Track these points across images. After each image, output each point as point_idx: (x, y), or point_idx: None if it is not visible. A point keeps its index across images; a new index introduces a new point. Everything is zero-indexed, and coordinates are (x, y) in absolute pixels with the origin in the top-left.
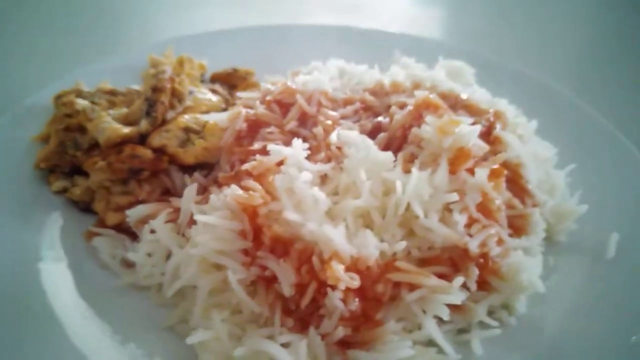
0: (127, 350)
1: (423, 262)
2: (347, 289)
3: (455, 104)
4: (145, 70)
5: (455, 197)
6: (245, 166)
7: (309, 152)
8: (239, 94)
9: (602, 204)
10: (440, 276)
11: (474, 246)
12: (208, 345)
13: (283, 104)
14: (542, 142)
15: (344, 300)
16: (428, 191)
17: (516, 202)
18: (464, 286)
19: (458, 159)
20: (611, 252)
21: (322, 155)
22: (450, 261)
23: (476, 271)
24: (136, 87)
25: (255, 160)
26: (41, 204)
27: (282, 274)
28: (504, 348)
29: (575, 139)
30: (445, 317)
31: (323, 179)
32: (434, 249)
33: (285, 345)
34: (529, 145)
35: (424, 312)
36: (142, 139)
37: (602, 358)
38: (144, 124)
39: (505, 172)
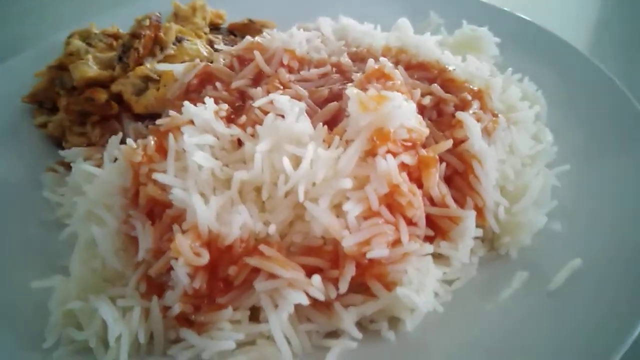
0: None
1: (304, 252)
2: (193, 265)
3: (437, 77)
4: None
5: (348, 183)
6: (159, 121)
7: (224, 112)
8: (217, 46)
9: (579, 221)
10: (317, 270)
11: (348, 243)
12: (57, 293)
13: (245, 60)
14: (543, 129)
15: (191, 276)
16: (323, 173)
17: (450, 200)
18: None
19: (379, 139)
20: (558, 282)
21: (244, 118)
22: (332, 255)
23: (352, 271)
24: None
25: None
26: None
27: (142, 237)
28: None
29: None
30: (287, 313)
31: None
32: (318, 238)
33: (127, 310)
34: (510, 135)
35: (273, 305)
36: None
37: None
38: (117, 69)
39: (438, 163)
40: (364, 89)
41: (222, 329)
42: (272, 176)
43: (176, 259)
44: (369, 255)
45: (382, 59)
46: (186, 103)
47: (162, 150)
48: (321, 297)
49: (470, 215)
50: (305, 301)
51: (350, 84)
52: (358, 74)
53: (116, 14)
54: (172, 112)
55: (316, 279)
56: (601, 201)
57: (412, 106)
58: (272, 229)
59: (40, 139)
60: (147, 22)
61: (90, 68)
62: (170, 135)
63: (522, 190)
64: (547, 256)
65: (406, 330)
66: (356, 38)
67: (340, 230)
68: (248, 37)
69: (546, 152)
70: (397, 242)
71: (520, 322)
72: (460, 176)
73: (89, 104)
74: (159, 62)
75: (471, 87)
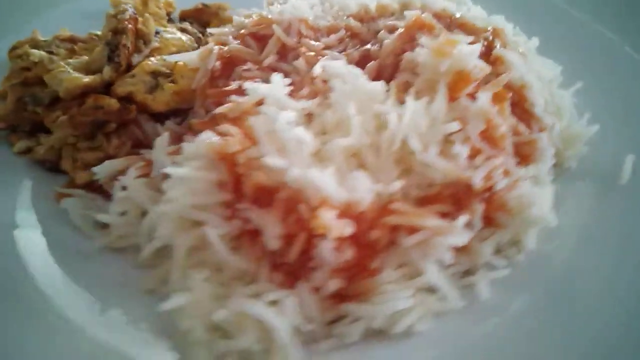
0: (109, 316)
1: (423, 202)
2: (340, 238)
3: (450, 24)
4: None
5: (455, 126)
6: (220, 109)
7: (291, 88)
8: (210, 30)
9: (614, 125)
10: (442, 216)
11: (477, 180)
12: (188, 310)
13: (259, 37)
14: (545, 60)
15: (336, 250)
16: (425, 122)
17: (522, 127)
18: (468, 225)
19: (457, 83)
20: (626, 176)
21: (306, 90)
22: (453, 199)
23: (481, 207)
24: (94, 32)
25: (231, 102)
26: (5, 168)
27: (266, 226)
28: (512, 289)
29: (580, 57)
30: (448, 261)
31: (309, 118)
32: (434, 186)
33: (273, 304)
34: (532, 65)
35: (425, 257)
36: (107, 88)
37: (615, 293)
38: (107, 71)
39: (509, 94)
40: (410, 41)
41: (384, 292)
42: (374, 137)
43: (319, 236)
44: (498, 188)
45: (411, 11)
46: (248, 84)
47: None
48: (467, 238)
49: (543, 137)
50: (462, 241)
51: (369, 45)
52: (381, 32)
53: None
54: (234, 98)
55: (461, 220)
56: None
57: (478, 46)
58: (396, 185)
59: (26, 167)
60: (127, 16)
61: (73, 75)
62: (256, 118)
63: (560, 110)
64: (603, 160)
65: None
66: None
67: (463, 172)
68: (237, 17)
69: (556, 76)
70: (505, 172)
71: (618, 211)
72: (515, 106)
73: (101, 113)
74: (145, 57)
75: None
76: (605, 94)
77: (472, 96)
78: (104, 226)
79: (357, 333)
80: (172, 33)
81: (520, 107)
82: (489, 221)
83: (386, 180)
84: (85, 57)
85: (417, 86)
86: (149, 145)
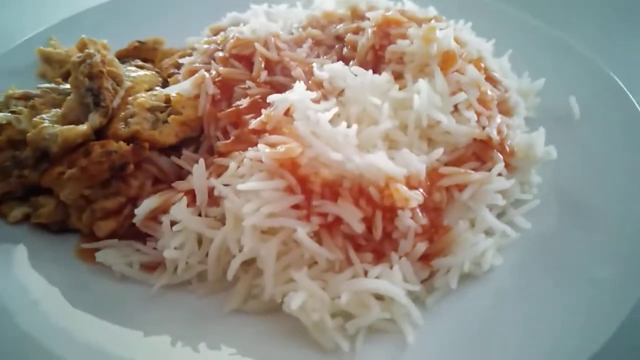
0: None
1: (454, 164)
2: (414, 207)
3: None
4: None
5: (464, 96)
6: (253, 124)
7: (315, 94)
8: (181, 60)
9: (552, 78)
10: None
11: (495, 135)
12: (309, 305)
13: (240, 57)
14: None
15: (413, 218)
16: (438, 97)
17: (495, 90)
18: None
19: (446, 62)
20: (576, 112)
21: (316, 94)
22: (475, 156)
23: (501, 157)
24: (45, 85)
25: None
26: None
27: (347, 214)
28: (540, 217)
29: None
30: (501, 203)
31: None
32: (459, 149)
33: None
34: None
35: (480, 205)
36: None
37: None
38: (95, 118)
39: (482, 65)
40: (385, 37)
41: (463, 242)
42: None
43: (395, 210)
44: (510, 137)
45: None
46: (274, 96)
47: None
48: (509, 182)
49: (513, 94)
50: (507, 184)
51: (345, 46)
52: (348, 35)
53: None
54: (264, 111)
55: (497, 168)
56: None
57: (450, 30)
58: (438, 153)
59: (27, 235)
60: (98, 59)
61: (65, 128)
62: (298, 123)
63: (505, 73)
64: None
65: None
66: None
67: (481, 131)
68: (201, 45)
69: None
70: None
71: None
72: None
73: (117, 157)
74: (122, 98)
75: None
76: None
77: (459, 71)
78: (149, 267)
79: (455, 281)
80: (135, 71)
81: (485, 75)
82: (506, 166)
83: (419, 153)
84: (54, 110)
85: (411, 71)
86: (167, 180)
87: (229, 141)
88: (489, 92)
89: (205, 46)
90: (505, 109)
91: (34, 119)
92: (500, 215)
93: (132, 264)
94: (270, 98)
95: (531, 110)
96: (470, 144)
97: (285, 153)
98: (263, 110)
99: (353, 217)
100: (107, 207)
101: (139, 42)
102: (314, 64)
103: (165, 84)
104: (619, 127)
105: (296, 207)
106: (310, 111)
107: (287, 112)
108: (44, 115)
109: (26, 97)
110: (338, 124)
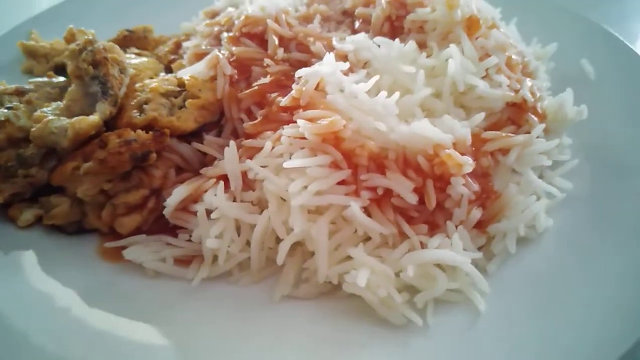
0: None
1: (492, 129)
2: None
3: None
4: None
5: (495, 60)
6: (284, 102)
7: (346, 65)
8: (185, 44)
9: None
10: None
11: (529, 97)
12: (370, 283)
13: (252, 36)
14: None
15: (465, 185)
16: (469, 63)
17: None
18: None
19: (471, 28)
20: (591, 74)
21: (347, 66)
22: (510, 121)
23: (536, 119)
24: (37, 79)
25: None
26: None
27: (398, 185)
28: (574, 177)
29: None
30: (547, 163)
31: None
32: (494, 114)
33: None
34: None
35: (526, 167)
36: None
37: None
38: (104, 108)
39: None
40: (402, 6)
41: (515, 205)
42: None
43: (443, 179)
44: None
45: None
46: (303, 70)
47: None
48: (552, 143)
49: (532, 58)
50: (552, 145)
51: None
52: (359, 8)
53: None
54: (295, 86)
55: (537, 130)
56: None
57: None
58: (480, 117)
59: (40, 239)
60: (101, 46)
61: (76, 120)
62: (335, 96)
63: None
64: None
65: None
66: None
67: (516, 94)
68: (202, 28)
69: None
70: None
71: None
72: None
73: (137, 145)
74: (127, 86)
75: None
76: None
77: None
78: (183, 262)
79: (513, 245)
80: (135, 58)
81: None
82: None
83: (458, 115)
84: (55, 104)
85: (434, 39)
86: (190, 168)
87: (257, 121)
88: (514, 57)
89: (208, 29)
90: (526, 74)
91: (34, 113)
92: (539, 177)
93: (165, 259)
94: (300, 72)
95: (546, 74)
96: (504, 109)
97: (328, 127)
98: (294, 86)
99: (405, 188)
100: (130, 201)
101: (128, 30)
102: (333, 38)
103: (168, 71)
104: (633, 85)
105: (342, 182)
106: (346, 83)
107: (316, 87)
108: (45, 109)
109: (20, 93)
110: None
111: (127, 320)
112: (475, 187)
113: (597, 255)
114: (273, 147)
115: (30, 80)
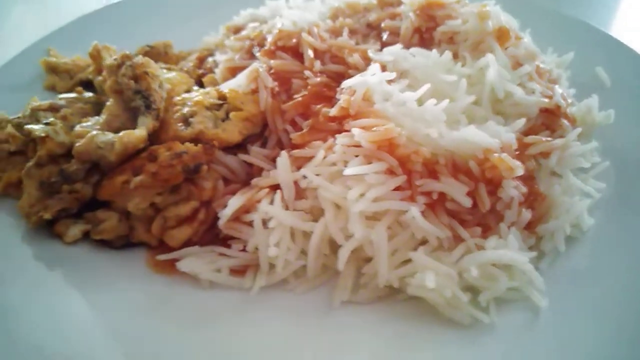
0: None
1: (528, 133)
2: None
3: None
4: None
5: (529, 68)
6: (333, 111)
7: (394, 74)
8: (216, 58)
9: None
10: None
11: (562, 103)
12: (439, 282)
13: (286, 49)
14: None
15: (515, 188)
16: (505, 71)
17: None
18: None
19: (501, 38)
20: (606, 81)
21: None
22: (545, 125)
23: (567, 123)
24: (68, 95)
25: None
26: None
27: (453, 189)
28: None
29: None
30: (587, 165)
31: None
32: (530, 120)
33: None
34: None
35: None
36: None
37: None
38: (146, 122)
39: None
40: (430, 19)
41: (561, 205)
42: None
43: (494, 182)
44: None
45: None
46: (349, 81)
47: None
48: (590, 146)
49: (553, 64)
50: (590, 147)
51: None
52: (386, 21)
53: None
54: (343, 96)
55: (574, 133)
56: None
57: (497, 7)
58: (521, 122)
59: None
60: (140, 60)
61: (109, 136)
62: (385, 104)
63: None
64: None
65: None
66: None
67: (550, 100)
68: (232, 42)
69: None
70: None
71: None
72: None
73: (189, 157)
74: (165, 99)
75: None
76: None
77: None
78: (238, 272)
79: (562, 244)
80: (167, 73)
81: None
82: None
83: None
84: (96, 118)
85: (466, 49)
86: (236, 179)
87: (304, 132)
88: (542, 65)
89: (239, 43)
90: (551, 81)
91: (75, 129)
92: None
93: (220, 269)
94: (347, 83)
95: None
96: (538, 115)
97: (384, 134)
98: (341, 96)
99: (460, 192)
100: (181, 214)
101: (148, 46)
102: (368, 50)
103: (199, 86)
104: None
105: (397, 188)
106: (394, 92)
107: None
108: (84, 124)
109: (54, 109)
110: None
111: (188, 332)
112: (524, 189)
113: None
114: (325, 156)
115: (61, 96)
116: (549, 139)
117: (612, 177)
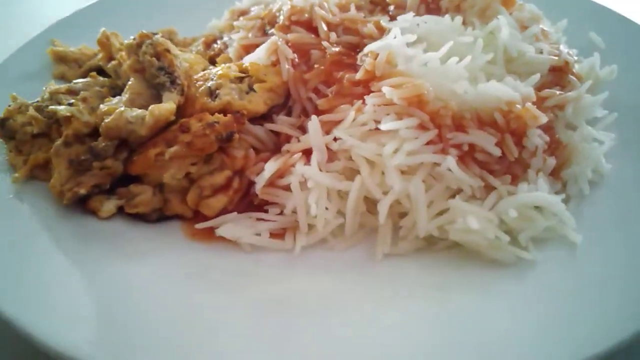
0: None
1: (541, 89)
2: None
3: None
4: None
5: (537, 28)
6: (359, 74)
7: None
8: (232, 35)
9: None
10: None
11: (570, 59)
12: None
13: (300, 24)
14: None
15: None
16: (516, 32)
17: None
18: None
19: (507, 3)
20: (600, 43)
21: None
22: (554, 83)
23: (575, 79)
24: (83, 80)
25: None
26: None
27: (482, 140)
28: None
29: None
30: (601, 114)
31: None
32: (540, 77)
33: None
34: None
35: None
36: None
37: None
38: (172, 97)
39: None
40: None
41: (581, 151)
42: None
43: (520, 133)
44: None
45: None
46: (374, 44)
47: None
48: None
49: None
50: (601, 97)
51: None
52: None
53: None
54: (368, 59)
55: (585, 86)
56: None
57: None
58: (536, 77)
59: (126, 229)
60: (160, 39)
61: (137, 111)
62: (409, 64)
63: None
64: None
65: None
66: None
67: (559, 57)
68: (242, 23)
69: None
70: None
71: None
72: None
73: (222, 126)
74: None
75: None
76: None
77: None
78: (276, 235)
79: (587, 187)
80: (183, 53)
81: None
82: None
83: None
84: (119, 97)
85: (474, 16)
86: (264, 148)
87: (330, 97)
88: (544, 27)
89: (250, 22)
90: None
91: (101, 106)
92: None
93: (260, 233)
94: (369, 47)
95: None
96: (547, 73)
97: (413, 90)
98: (366, 59)
99: (489, 143)
100: (216, 183)
101: (152, 33)
102: (381, 20)
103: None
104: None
105: (429, 142)
106: (417, 53)
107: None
108: (109, 103)
109: (72, 92)
110: None
111: (237, 294)
112: (547, 137)
113: None
114: (355, 118)
115: (76, 81)
116: (562, 92)
117: (621, 127)
